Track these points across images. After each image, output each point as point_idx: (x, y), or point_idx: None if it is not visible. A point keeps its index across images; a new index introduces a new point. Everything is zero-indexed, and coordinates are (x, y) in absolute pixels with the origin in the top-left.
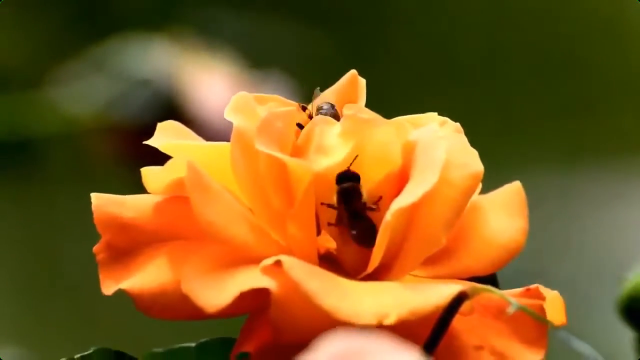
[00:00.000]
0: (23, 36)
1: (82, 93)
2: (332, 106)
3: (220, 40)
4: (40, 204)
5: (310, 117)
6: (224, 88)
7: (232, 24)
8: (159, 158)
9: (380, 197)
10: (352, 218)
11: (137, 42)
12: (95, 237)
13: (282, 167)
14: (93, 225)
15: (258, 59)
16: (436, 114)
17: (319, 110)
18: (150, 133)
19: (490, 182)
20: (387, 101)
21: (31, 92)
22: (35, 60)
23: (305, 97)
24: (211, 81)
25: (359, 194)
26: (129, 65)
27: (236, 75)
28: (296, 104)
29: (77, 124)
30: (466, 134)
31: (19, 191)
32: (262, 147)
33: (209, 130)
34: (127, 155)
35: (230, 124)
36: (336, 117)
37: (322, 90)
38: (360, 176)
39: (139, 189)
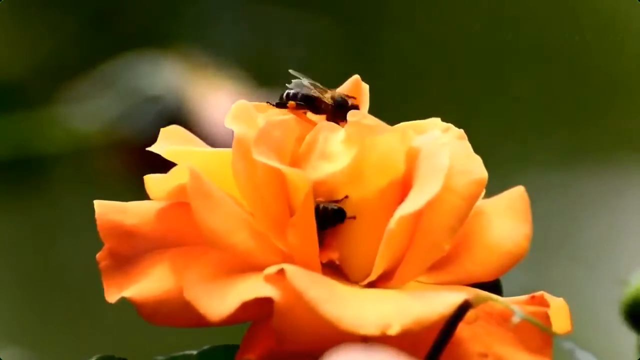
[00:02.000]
0: (32, 54)
1: (91, 110)
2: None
3: (228, 58)
4: (47, 219)
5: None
6: (231, 105)
7: (239, 42)
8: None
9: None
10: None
11: (145, 59)
12: (100, 245)
13: (280, 176)
14: (98, 236)
15: (265, 76)
16: (439, 119)
17: (289, 95)
18: None
19: (489, 182)
20: (385, 102)
21: (40, 109)
22: (44, 78)
23: None
24: (219, 99)
25: (323, 211)
26: (137, 82)
27: (243, 93)
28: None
29: (86, 141)
30: (465, 133)
31: (27, 207)
32: (259, 156)
33: (216, 147)
34: (135, 171)
35: None
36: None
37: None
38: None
39: None
